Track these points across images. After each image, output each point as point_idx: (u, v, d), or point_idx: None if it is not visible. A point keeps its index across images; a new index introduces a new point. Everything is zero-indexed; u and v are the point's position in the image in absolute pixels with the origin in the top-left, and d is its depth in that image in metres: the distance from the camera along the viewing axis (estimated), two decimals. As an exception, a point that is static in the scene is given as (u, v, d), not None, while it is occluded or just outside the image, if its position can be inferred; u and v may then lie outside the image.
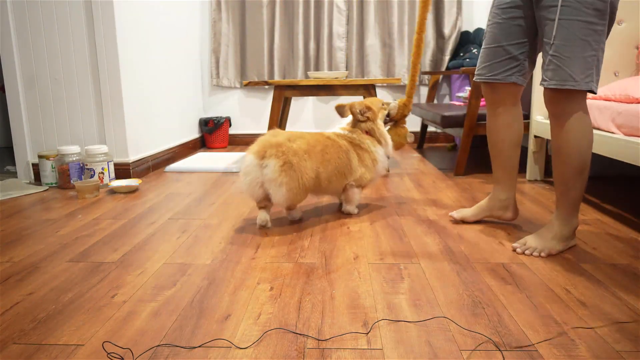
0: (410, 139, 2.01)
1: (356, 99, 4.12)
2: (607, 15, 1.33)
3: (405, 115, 2.02)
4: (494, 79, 1.57)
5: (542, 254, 1.46)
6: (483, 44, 1.61)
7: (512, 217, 1.76)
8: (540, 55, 1.54)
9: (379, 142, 1.95)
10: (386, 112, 2.02)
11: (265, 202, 1.76)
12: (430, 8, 1.71)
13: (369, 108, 1.93)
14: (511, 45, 1.52)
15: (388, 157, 1.99)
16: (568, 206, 1.48)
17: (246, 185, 1.70)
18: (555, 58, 1.35)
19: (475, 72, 1.64)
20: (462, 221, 1.80)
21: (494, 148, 1.70)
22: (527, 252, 1.48)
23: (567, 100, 1.38)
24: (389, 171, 2.14)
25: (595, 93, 1.38)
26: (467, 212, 1.80)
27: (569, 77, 1.34)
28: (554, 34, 1.34)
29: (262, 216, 1.78)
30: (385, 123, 2.03)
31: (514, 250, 1.51)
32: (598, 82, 1.38)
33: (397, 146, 2.01)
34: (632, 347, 0.97)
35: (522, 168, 2.86)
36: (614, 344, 0.98)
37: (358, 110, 1.92)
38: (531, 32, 1.51)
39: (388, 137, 1.97)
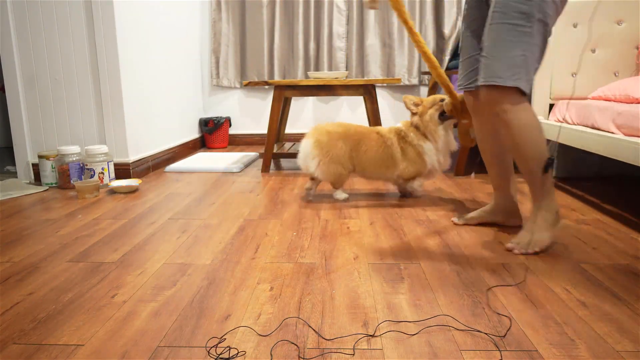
0: (473, 135, 1.87)
1: (356, 99, 4.09)
2: (535, 18, 1.37)
3: (461, 110, 1.82)
4: (473, 86, 1.62)
5: (537, 249, 1.47)
6: (462, 53, 1.67)
7: (518, 222, 1.74)
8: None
9: (425, 136, 2.05)
10: (440, 108, 2.01)
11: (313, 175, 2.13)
12: (406, 10, 1.68)
13: (419, 102, 2.06)
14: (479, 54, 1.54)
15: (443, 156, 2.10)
16: (543, 192, 1.51)
17: (300, 161, 2.12)
18: (484, 58, 1.43)
19: (457, 84, 1.70)
20: (465, 224, 1.80)
21: (485, 155, 1.73)
22: (523, 250, 1.48)
23: (501, 96, 1.43)
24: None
25: (524, 92, 1.42)
26: (470, 215, 1.80)
27: (493, 73, 1.40)
28: (485, 37, 1.43)
29: (308, 184, 2.18)
30: (445, 120, 2.03)
31: (511, 251, 1.51)
32: (531, 83, 1.42)
33: (463, 143, 1.93)
34: (632, 347, 0.97)
35: (522, 168, 2.86)
36: (614, 344, 0.98)
37: (411, 102, 2.06)
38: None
39: (437, 133, 2.03)
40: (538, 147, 1.46)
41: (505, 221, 1.76)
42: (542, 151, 1.46)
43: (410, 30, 1.65)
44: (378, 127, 2.17)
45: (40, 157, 2.56)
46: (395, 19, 3.87)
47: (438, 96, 2.05)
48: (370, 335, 1.02)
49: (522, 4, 1.36)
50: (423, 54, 1.66)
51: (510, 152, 1.54)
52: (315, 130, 2.10)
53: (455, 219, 1.82)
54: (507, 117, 1.44)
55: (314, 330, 1.05)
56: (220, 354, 0.96)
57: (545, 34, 1.41)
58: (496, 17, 1.39)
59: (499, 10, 1.39)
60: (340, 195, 2.17)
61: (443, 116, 2.02)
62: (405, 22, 1.64)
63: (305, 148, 2.08)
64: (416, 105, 2.07)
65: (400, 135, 2.10)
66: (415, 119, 2.07)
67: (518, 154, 1.49)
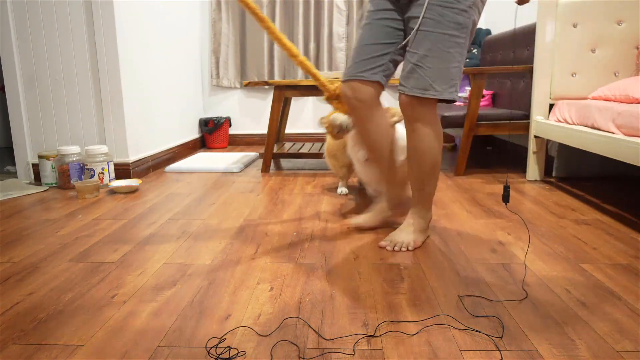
0: (344, 125, 1.87)
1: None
2: (469, 29, 1.38)
3: (336, 97, 1.77)
4: (361, 76, 1.49)
5: (410, 247, 1.53)
6: (356, 43, 1.54)
7: (405, 212, 1.69)
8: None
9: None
10: (327, 120, 1.96)
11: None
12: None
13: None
14: (379, 45, 1.48)
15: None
16: (423, 202, 1.58)
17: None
18: (418, 67, 1.38)
19: (344, 73, 1.56)
20: (362, 228, 1.75)
21: (374, 151, 1.63)
22: (396, 247, 1.53)
23: (421, 106, 1.43)
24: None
25: (456, 102, 1.43)
26: (371, 220, 1.75)
27: (429, 86, 1.38)
28: (415, 43, 1.38)
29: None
30: (342, 131, 1.93)
31: (384, 248, 1.55)
32: (457, 90, 1.44)
33: (329, 133, 1.96)
34: (632, 347, 0.97)
35: (522, 168, 2.86)
36: (614, 344, 0.98)
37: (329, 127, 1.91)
38: (398, 37, 1.48)
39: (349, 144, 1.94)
40: (435, 160, 1.51)
41: (395, 213, 1.80)
42: (437, 165, 1.52)
43: (260, 20, 1.53)
44: None
45: (40, 157, 2.56)
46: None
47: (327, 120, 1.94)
48: (370, 336, 1.02)
49: (459, 14, 1.34)
50: (277, 40, 1.57)
51: (412, 157, 1.51)
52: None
53: (382, 243, 1.63)
54: (422, 128, 1.46)
55: (314, 330, 1.05)
56: (221, 354, 0.96)
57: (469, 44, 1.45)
58: (429, 24, 1.35)
59: (432, 17, 1.35)
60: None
61: (341, 129, 1.89)
62: (254, 14, 1.52)
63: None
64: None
65: None
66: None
67: (415, 161, 1.51)
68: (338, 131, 1.86)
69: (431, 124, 1.46)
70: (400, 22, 1.47)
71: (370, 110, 1.54)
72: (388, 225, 1.78)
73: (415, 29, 1.37)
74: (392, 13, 1.46)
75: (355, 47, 1.52)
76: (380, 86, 1.53)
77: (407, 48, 1.43)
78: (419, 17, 1.37)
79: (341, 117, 1.85)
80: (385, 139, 1.61)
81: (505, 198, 1.37)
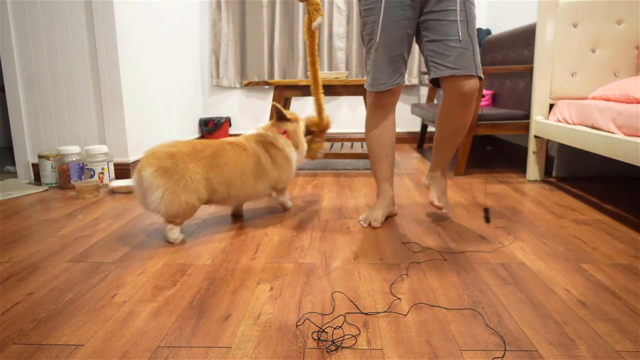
0: (320, 155, 2.08)
1: (356, 99, 4.12)
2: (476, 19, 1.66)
3: (323, 130, 2.06)
4: (397, 83, 1.73)
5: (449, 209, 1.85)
6: (380, 54, 1.69)
7: (396, 210, 1.94)
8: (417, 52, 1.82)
9: (296, 145, 1.94)
10: (304, 123, 2.03)
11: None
12: (317, 36, 1.88)
13: (292, 114, 2.01)
14: (405, 52, 1.71)
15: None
16: (447, 164, 1.88)
17: (137, 199, 1.64)
18: (466, 50, 1.58)
19: (378, 83, 1.72)
20: (375, 226, 1.79)
21: (384, 149, 1.82)
22: (373, 223, 1.76)
23: (472, 86, 1.62)
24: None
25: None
26: (381, 219, 1.81)
27: (477, 66, 1.60)
28: (456, 31, 1.57)
29: (173, 235, 1.64)
30: (307, 134, 2.04)
31: (360, 222, 1.79)
32: None
33: (310, 157, 2.07)
34: (632, 347, 0.97)
35: (522, 168, 2.86)
36: (614, 344, 0.98)
37: (284, 109, 1.97)
38: (412, 38, 1.71)
39: (304, 146, 1.98)
40: None
41: (392, 211, 1.90)
42: None
43: (313, 59, 1.90)
44: (225, 139, 1.82)
45: (40, 157, 2.56)
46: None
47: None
48: (370, 335, 1.02)
49: (474, 7, 1.63)
50: (314, 76, 1.95)
51: (457, 129, 1.74)
52: (151, 156, 1.58)
53: (371, 223, 1.80)
54: (472, 105, 1.67)
55: (314, 330, 1.05)
56: (220, 353, 0.96)
57: None
58: (463, 15, 1.57)
59: (462, 9, 1.57)
60: (175, 235, 1.64)
61: (307, 131, 2.04)
62: (313, 51, 1.88)
63: (144, 180, 1.56)
64: (291, 115, 1.99)
65: (267, 142, 1.85)
66: (294, 125, 1.95)
67: (463, 131, 1.75)
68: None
69: (474, 101, 1.68)
70: (413, 27, 1.68)
71: (394, 109, 1.82)
72: (392, 230, 1.78)
73: (458, 19, 1.57)
74: (409, 20, 1.65)
75: (383, 58, 1.69)
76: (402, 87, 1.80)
77: (443, 37, 1.59)
78: (446, 10, 1.58)
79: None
80: (394, 135, 1.84)
81: (487, 219, 1.71)
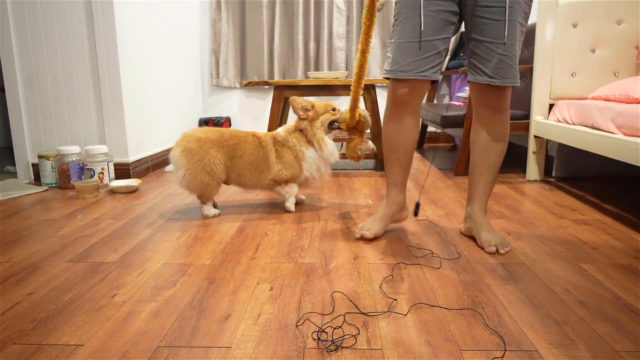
0: (360, 152, 1.83)
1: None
2: (528, 20, 1.45)
3: (359, 129, 1.83)
4: (422, 75, 1.46)
5: (508, 248, 1.51)
6: (405, 34, 1.44)
7: (407, 215, 1.74)
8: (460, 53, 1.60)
9: (311, 142, 1.94)
10: (334, 117, 1.94)
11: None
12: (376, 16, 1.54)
13: (310, 107, 1.95)
14: (438, 40, 1.44)
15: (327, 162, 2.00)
16: (489, 195, 1.60)
17: (173, 175, 1.93)
18: (507, 58, 1.41)
19: (397, 68, 1.47)
20: (374, 237, 1.63)
21: (398, 151, 1.60)
22: (507, 248, 1.51)
23: (507, 95, 1.49)
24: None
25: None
26: (376, 229, 1.64)
27: (516, 75, 1.44)
28: (505, 34, 1.38)
29: (204, 211, 1.95)
30: (333, 130, 1.96)
31: (495, 253, 1.49)
32: None
33: (350, 156, 1.86)
34: (632, 347, 0.97)
35: (522, 168, 2.86)
36: (614, 344, 0.98)
37: (299, 106, 1.95)
38: (452, 29, 1.47)
39: (324, 142, 1.93)
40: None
41: (400, 217, 1.71)
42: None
43: (366, 46, 1.52)
44: (256, 131, 2.01)
45: (40, 157, 2.56)
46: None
47: (330, 104, 1.97)
48: (370, 335, 1.02)
49: (527, 4, 1.41)
50: (360, 71, 1.58)
51: (493, 147, 1.54)
52: (184, 138, 1.90)
53: (365, 233, 1.63)
54: (507, 115, 1.52)
55: (314, 330, 1.05)
56: (220, 353, 0.96)
57: None
58: (512, 14, 1.37)
59: (512, 5, 1.37)
60: (210, 211, 1.94)
61: (332, 126, 1.95)
62: (367, 38, 1.51)
63: (173, 159, 1.88)
64: (306, 110, 1.94)
65: (277, 140, 1.96)
66: (305, 124, 1.94)
67: (502, 148, 1.55)
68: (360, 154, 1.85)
69: (508, 109, 1.53)
70: (457, 12, 1.44)
71: (417, 107, 1.56)
72: (392, 230, 1.78)
73: (506, 19, 1.36)
74: (449, 4, 1.42)
75: (409, 41, 1.43)
76: (431, 84, 1.52)
77: (487, 38, 1.40)
78: (492, 6, 1.37)
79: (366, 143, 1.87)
80: (414, 138, 1.60)
81: (415, 213, 1.58)
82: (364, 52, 1.54)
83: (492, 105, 1.49)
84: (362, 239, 1.63)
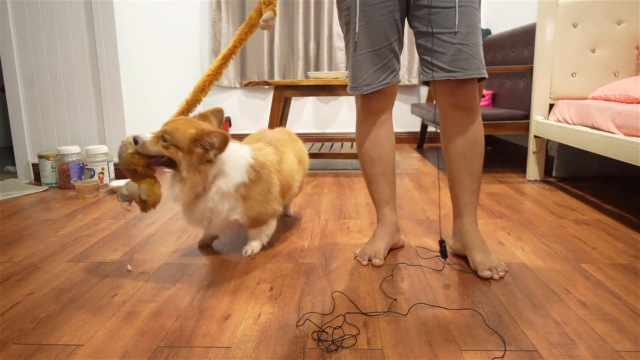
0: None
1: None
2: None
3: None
4: (386, 83, 1.36)
5: (504, 270, 1.35)
6: (361, 47, 1.34)
7: (403, 242, 1.57)
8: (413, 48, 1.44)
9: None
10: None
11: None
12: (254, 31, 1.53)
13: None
14: (395, 43, 1.35)
15: None
16: (476, 205, 1.40)
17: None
18: (465, 47, 1.24)
19: (361, 84, 1.37)
20: (379, 264, 1.42)
21: (380, 163, 1.45)
22: (502, 273, 1.32)
23: (473, 90, 1.30)
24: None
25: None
26: (382, 253, 1.45)
27: (480, 65, 1.27)
28: (457, 21, 1.23)
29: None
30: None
31: (489, 278, 1.31)
32: None
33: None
34: (632, 347, 0.97)
35: (522, 168, 2.86)
36: (614, 344, 0.98)
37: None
38: (401, 27, 1.36)
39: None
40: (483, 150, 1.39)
41: (398, 241, 1.53)
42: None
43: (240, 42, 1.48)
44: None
45: (40, 157, 2.56)
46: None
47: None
48: (370, 335, 1.02)
49: None
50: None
51: (471, 150, 1.35)
52: (287, 136, 1.73)
53: (362, 261, 1.44)
54: (478, 115, 1.35)
55: (314, 330, 1.05)
56: (220, 354, 0.96)
57: None
58: (464, 0, 1.24)
59: None
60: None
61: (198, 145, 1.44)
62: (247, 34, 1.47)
63: (292, 165, 1.62)
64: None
65: None
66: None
67: (480, 151, 1.36)
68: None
69: (479, 110, 1.36)
70: (402, 9, 1.33)
71: (389, 113, 1.46)
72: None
73: (457, 5, 1.22)
74: (393, 2, 1.31)
75: (367, 52, 1.34)
76: (396, 86, 1.43)
77: (437, 29, 1.25)
78: None
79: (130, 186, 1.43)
80: (392, 146, 1.47)
81: (443, 253, 1.31)
82: (225, 58, 1.55)
83: (461, 104, 1.31)
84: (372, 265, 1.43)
